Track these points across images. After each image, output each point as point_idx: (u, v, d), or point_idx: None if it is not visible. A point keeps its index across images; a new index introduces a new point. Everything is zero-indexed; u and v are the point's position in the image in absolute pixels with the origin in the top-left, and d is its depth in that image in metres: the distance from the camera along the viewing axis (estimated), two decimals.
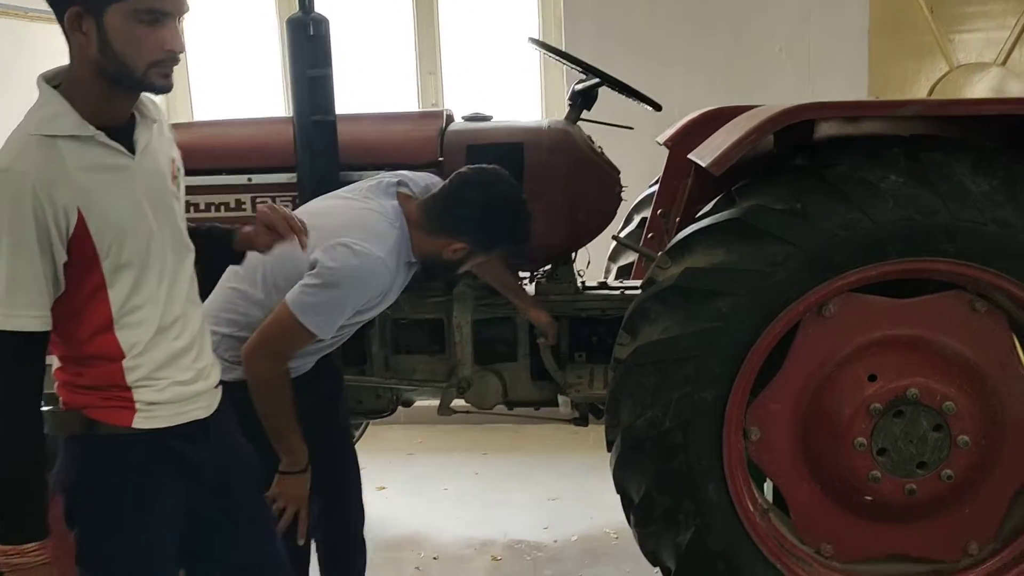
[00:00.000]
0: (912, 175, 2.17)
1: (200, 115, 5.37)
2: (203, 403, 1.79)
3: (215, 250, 1.98)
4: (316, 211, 2.36)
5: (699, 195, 2.64)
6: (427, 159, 2.84)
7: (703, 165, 2.28)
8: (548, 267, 3.06)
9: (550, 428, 4.24)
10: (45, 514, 1.64)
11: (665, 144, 3.49)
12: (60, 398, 1.72)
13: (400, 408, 3.25)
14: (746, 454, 2.42)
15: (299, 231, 1.88)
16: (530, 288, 3.01)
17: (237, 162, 2.83)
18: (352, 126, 2.82)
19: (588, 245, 3.07)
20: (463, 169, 2.40)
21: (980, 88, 4.26)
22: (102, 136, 1.62)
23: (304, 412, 2.25)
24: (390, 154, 2.86)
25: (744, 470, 2.41)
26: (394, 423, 3.91)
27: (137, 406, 1.69)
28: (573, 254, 3.07)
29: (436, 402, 3.10)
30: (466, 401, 3.06)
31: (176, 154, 1.83)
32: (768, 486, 2.71)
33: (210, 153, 2.86)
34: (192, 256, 1.82)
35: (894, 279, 2.30)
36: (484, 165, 2.41)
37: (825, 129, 2.43)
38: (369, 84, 5.12)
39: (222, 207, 2.79)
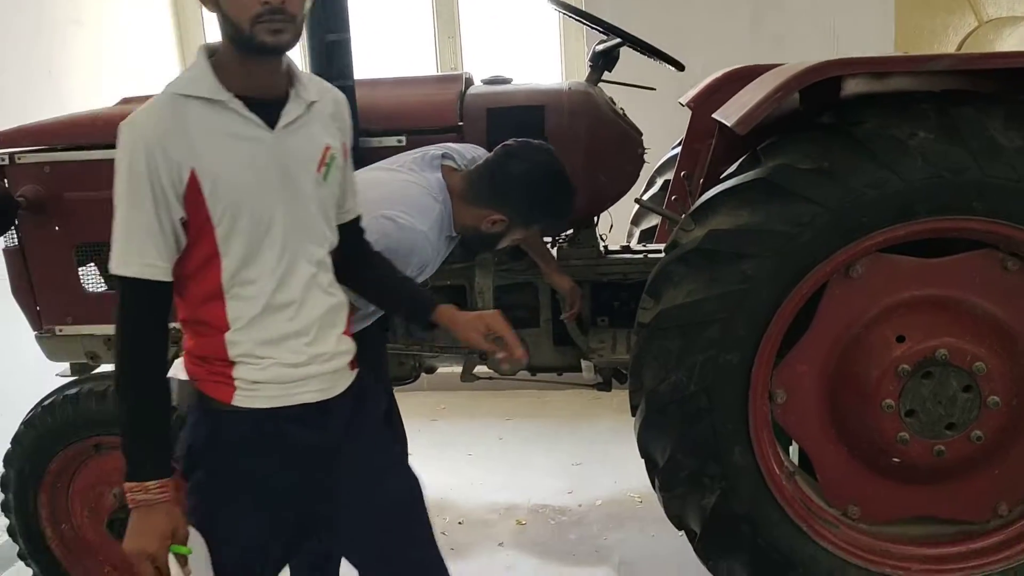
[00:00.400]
0: (942, 131, 2.12)
1: None
2: (316, 386, 1.76)
3: (411, 311, 2.09)
4: (359, 182, 2.35)
5: (723, 156, 2.59)
6: (447, 123, 2.81)
7: (728, 125, 2.24)
8: (570, 231, 3.04)
9: (573, 393, 4.24)
10: (168, 454, 1.70)
11: (688, 105, 3.44)
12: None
13: (423, 375, 3.26)
14: (771, 417, 2.40)
15: (521, 357, 2.01)
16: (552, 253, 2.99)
17: None
18: (371, 91, 2.79)
19: (610, 209, 3.04)
20: (509, 141, 2.39)
21: (1011, 42, 4.15)
22: (236, 103, 1.64)
23: None
24: (410, 119, 2.83)
25: (770, 433, 2.39)
26: (417, 390, 3.92)
27: (237, 383, 1.70)
28: (595, 218, 3.04)
29: (459, 368, 3.10)
30: (488, 367, 3.05)
31: (336, 142, 1.79)
32: (794, 449, 2.70)
33: None
34: (328, 247, 1.80)
35: (923, 238, 2.26)
36: (530, 139, 2.40)
37: (852, 86, 2.38)
38: (388, 48, 5.08)
39: None
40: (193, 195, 1.61)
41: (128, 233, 1.61)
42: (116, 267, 1.63)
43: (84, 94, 4.10)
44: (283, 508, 1.78)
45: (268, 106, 1.67)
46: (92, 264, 2.94)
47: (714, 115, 2.49)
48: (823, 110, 2.28)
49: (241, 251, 1.66)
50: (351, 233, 1.92)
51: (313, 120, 1.74)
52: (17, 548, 2.73)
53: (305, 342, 1.73)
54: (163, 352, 1.68)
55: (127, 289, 1.64)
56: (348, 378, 1.84)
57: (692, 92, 3.44)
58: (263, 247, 1.67)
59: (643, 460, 2.45)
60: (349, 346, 1.84)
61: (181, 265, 1.68)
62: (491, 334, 2.00)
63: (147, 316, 1.65)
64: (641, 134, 2.95)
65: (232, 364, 1.70)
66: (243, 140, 1.65)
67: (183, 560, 1.69)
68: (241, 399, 1.70)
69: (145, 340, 1.66)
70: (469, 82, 3.02)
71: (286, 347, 1.71)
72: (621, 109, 2.99)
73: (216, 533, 1.75)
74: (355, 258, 1.94)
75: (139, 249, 1.61)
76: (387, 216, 2.16)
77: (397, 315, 2.05)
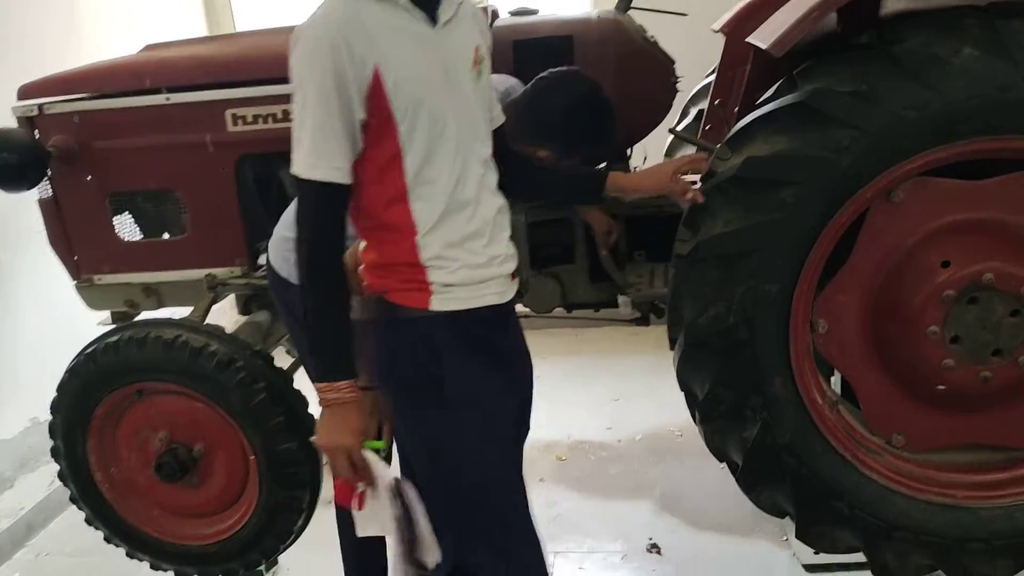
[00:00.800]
0: (988, 48, 2.03)
1: (242, 26, 5.31)
2: (496, 289, 1.82)
3: (583, 191, 2.19)
4: None
5: (759, 82, 2.51)
6: None
7: (763, 47, 2.17)
8: (603, 164, 2.99)
9: (610, 330, 4.23)
10: (352, 356, 1.75)
11: (721, 31, 3.35)
12: (363, 282, 1.81)
13: None
14: (812, 347, 2.36)
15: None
16: None
17: (281, 71, 2.76)
18: None
19: (644, 140, 2.99)
20: (544, 73, 2.37)
21: None
22: (403, 0, 1.67)
23: None
24: None
25: (811, 363, 2.36)
26: None
27: (432, 288, 1.75)
28: (628, 150, 2.99)
29: None
30: (524, 306, 3.04)
31: (483, 43, 1.85)
32: (836, 379, 2.67)
33: (256, 64, 2.82)
34: (489, 148, 1.85)
35: (966, 160, 2.18)
36: (565, 68, 2.38)
37: (891, 3, 2.29)
38: None
39: (269, 118, 2.75)
40: (376, 93, 1.63)
41: (315, 136, 1.63)
42: (304, 171, 1.65)
43: (100, 42, 4.09)
44: (498, 411, 1.86)
45: (426, 4, 1.70)
46: (126, 212, 2.96)
47: (748, 39, 2.42)
48: (861, 30, 2.19)
49: (422, 149, 1.69)
50: (502, 138, 1.97)
51: (461, 21, 1.79)
52: (69, 492, 2.80)
53: (482, 244, 1.78)
54: (342, 253, 1.73)
55: (313, 193, 1.66)
56: (514, 286, 1.90)
57: (725, 17, 3.34)
58: (440, 144, 1.70)
59: (683, 394, 2.44)
60: (513, 251, 1.89)
61: (362, 169, 1.70)
62: (677, 176, 2.16)
63: (332, 220, 1.69)
64: (674, 62, 2.89)
65: (425, 268, 1.74)
66: (414, 36, 1.68)
67: (379, 454, 1.77)
68: (437, 303, 1.75)
69: (330, 243, 1.70)
70: (495, 15, 2.96)
71: (468, 248, 1.76)
72: (652, 37, 2.92)
73: (453, 441, 1.81)
74: (510, 161, 1.98)
75: (328, 151, 1.63)
76: None
77: (569, 200, 2.27)
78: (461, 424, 1.82)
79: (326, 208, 1.68)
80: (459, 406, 1.81)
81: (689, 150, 3.61)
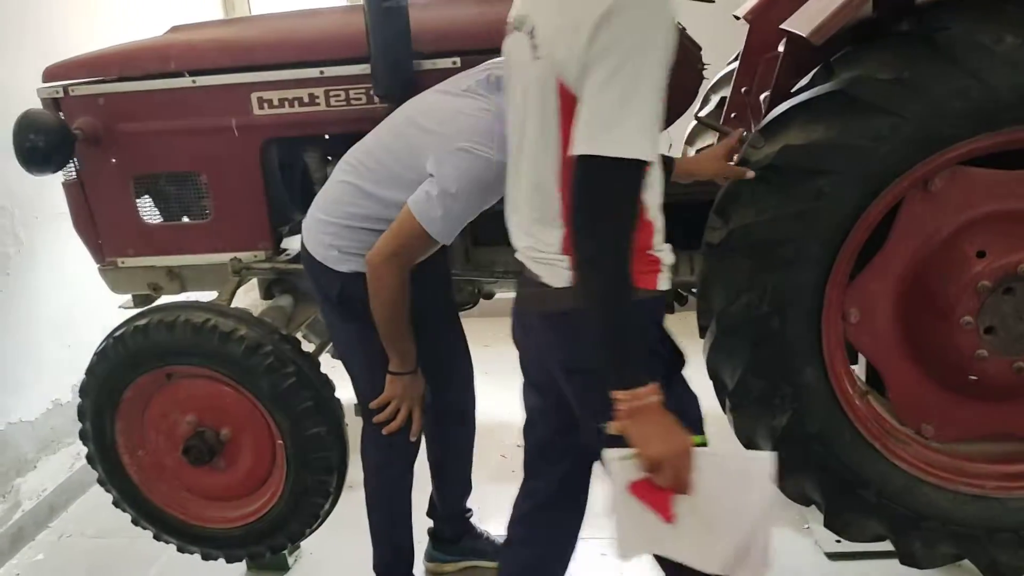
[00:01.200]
0: None
1: (258, 8, 5.29)
2: None
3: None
4: (428, 110, 2.29)
5: (792, 70, 2.50)
6: (500, 43, 2.73)
7: (803, 35, 2.15)
8: None
9: None
10: None
11: (744, 18, 3.32)
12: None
13: (481, 300, 3.25)
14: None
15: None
16: None
17: (307, 55, 2.76)
18: (423, 12, 2.72)
19: (668, 128, 2.96)
20: None
21: None
22: None
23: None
24: (463, 39, 2.76)
25: (843, 352, 2.35)
26: (474, 315, 3.91)
27: (662, 267, 1.75)
28: None
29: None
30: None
31: None
32: (856, 368, 2.65)
33: (278, 47, 2.80)
34: None
35: (1006, 150, 2.17)
36: None
37: None
38: None
39: (296, 102, 2.73)
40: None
41: (653, 113, 1.51)
42: (647, 151, 1.51)
43: (124, 23, 4.07)
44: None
45: None
46: (146, 196, 2.95)
47: (783, 25, 2.39)
48: (901, 16, 2.18)
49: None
50: None
51: None
52: (91, 474, 2.80)
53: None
54: None
55: (637, 176, 1.54)
56: None
57: (748, 4, 3.32)
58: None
59: (701, 381, 2.43)
60: None
61: None
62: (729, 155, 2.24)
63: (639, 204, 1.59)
64: (700, 49, 2.86)
65: (657, 251, 1.74)
66: None
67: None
68: (663, 282, 1.75)
69: (634, 229, 1.58)
70: None
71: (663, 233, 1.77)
72: (679, 24, 2.90)
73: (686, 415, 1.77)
74: None
75: (656, 132, 1.54)
76: (463, 148, 2.10)
77: None
78: (688, 397, 1.86)
79: (639, 192, 1.56)
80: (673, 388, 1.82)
81: (710, 138, 3.60)
